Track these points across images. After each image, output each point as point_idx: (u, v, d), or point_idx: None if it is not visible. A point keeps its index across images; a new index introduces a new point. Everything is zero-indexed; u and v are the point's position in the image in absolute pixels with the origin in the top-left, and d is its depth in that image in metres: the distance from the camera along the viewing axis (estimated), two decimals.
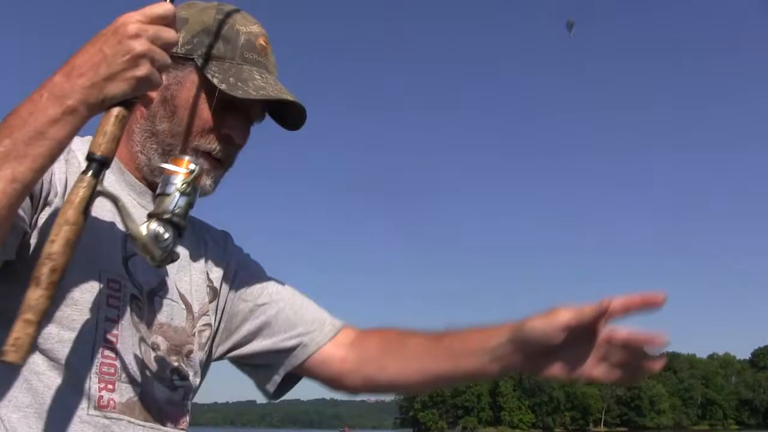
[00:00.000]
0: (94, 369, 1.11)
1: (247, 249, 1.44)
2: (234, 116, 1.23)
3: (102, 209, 1.14)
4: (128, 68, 0.95)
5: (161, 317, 1.22)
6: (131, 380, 1.15)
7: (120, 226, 1.13)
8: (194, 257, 1.31)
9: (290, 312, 1.36)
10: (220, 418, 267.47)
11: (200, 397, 1.32)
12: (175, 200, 1.02)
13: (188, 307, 1.27)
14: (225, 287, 1.34)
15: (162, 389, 1.20)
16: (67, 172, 1.12)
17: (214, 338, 1.33)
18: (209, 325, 1.31)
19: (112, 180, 1.21)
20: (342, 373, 1.35)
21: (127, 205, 1.10)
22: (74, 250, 0.94)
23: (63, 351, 1.09)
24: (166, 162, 1.08)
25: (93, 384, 1.11)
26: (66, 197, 0.97)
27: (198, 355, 1.28)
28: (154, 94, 1.20)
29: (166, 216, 1.01)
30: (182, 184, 1.03)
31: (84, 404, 1.10)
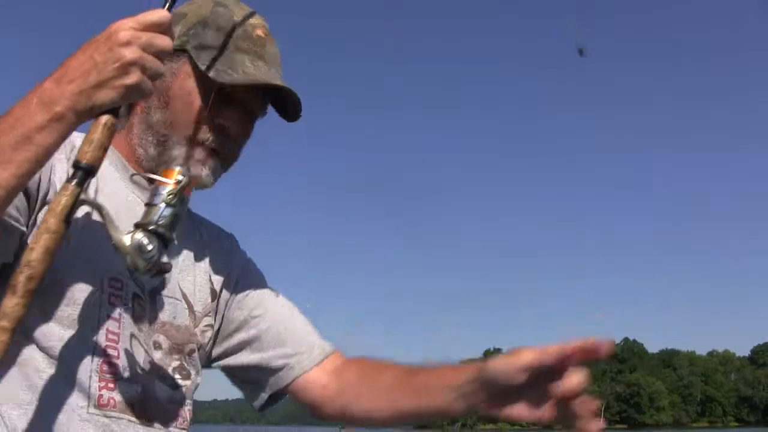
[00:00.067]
0: (94, 367, 1.11)
1: (247, 249, 1.44)
2: (231, 108, 1.22)
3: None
4: (118, 76, 0.94)
5: (164, 316, 1.22)
6: (132, 379, 1.15)
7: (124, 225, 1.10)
8: (198, 258, 1.31)
9: (281, 328, 1.35)
10: (219, 415, 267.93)
11: (200, 395, 1.32)
12: (160, 211, 1.02)
13: (191, 307, 1.27)
14: (225, 293, 1.35)
15: (163, 388, 1.20)
16: (68, 171, 1.08)
17: (213, 340, 1.34)
18: (211, 326, 1.31)
19: (115, 177, 1.21)
20: (322, 400, 1.34)
21: (129, 202, 1.10)
22: (53, 258, 0.93)
23: (64, 349, 1.09)
24: (160, 162, 1.09)
25: (93, 382, 1.11)
26: (48, 205, 0.96)
27: (200, 355, 1.29)
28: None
29: (151, 227, 1.01)
30: (168, 196, 1.03)
31: (84, 402, 1.10)
